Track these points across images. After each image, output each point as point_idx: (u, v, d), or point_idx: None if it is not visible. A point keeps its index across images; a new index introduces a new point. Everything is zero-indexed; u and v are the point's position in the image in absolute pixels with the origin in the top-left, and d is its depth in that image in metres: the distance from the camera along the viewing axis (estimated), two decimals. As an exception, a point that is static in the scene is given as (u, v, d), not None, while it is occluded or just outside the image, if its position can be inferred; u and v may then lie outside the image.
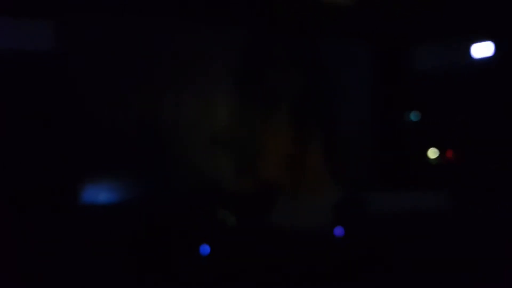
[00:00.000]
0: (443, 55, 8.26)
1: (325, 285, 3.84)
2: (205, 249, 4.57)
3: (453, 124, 8.24)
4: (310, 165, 6.68)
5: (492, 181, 6.23)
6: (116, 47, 6.92)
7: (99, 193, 6.67)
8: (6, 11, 6.26)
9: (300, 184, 6.65)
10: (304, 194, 6.59)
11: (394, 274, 3.94)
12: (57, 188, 6.10)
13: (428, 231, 5.34)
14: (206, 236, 4.80)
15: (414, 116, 8.52)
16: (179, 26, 7.45)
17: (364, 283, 3.84)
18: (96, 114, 6.96)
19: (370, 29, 8.69)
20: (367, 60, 9.23)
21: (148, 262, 4.26)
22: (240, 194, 7.05)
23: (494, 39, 7.37)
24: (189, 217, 5.23)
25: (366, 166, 8.95)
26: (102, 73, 6.88)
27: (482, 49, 7.51)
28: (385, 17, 8.42)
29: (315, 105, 6.92)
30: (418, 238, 5.06)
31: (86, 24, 6.68)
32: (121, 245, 4.74)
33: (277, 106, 8.40)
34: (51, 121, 6.37)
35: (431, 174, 7.98)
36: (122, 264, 4.19)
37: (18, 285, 3.59)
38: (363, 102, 9.19)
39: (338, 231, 5.08)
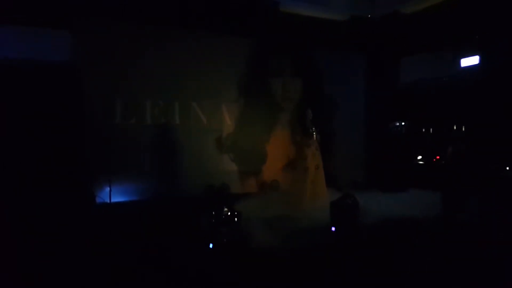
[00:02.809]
0: (432, 66, 8.61)
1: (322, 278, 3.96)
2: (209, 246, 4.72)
3: (443, 131, 8.50)
4: (310, 168, 6.90)
5: (482, 185, 6.41)
6: (125, 56, 7.27)
7: (111, 193, 6.91)
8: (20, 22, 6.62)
9: (299, 184, 6.87)
10: (304, 194, 6.80)
11: (387, 272, 4.05)
12: (70, 187, 6.35)
13: (417, 231, 5.52)
14: (211, 234, 4.95)
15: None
16: (186, 37, 7.79)
17: (356, 278, 3.95)
18: (106, 119, 7.26)
19: (364, 43, 9.09)
20: (361, 72, 9.64)
21: (155, 259, 4.38)
22: (244, 194, 7.26)
23: (480, 52, 7.71)
24: (196, 215, 5.41)
25: (360, 169, 9.28)
26: (114, 80, 7.21)
27: (469, 61, 7.88)
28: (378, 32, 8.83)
29: (314, 114, 7.19)
30: (409, 237, 5.24)
31: (99, 37, 7.05)
32: (129, 242, 4.90)
33: (279, 113, 8.70)
34: (64, 124, 6.67)
35: (420, 177, 8.26)
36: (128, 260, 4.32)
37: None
38: (357, 111, 9.56)
39: (334, 227, 5.26)
